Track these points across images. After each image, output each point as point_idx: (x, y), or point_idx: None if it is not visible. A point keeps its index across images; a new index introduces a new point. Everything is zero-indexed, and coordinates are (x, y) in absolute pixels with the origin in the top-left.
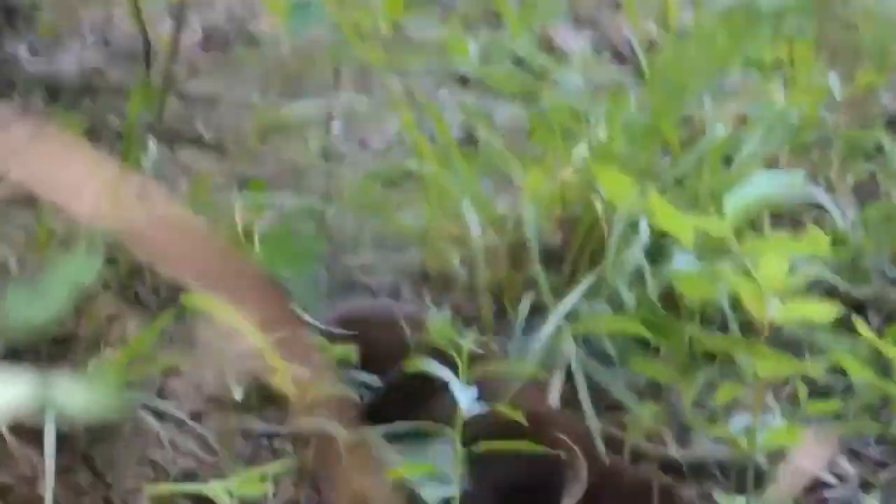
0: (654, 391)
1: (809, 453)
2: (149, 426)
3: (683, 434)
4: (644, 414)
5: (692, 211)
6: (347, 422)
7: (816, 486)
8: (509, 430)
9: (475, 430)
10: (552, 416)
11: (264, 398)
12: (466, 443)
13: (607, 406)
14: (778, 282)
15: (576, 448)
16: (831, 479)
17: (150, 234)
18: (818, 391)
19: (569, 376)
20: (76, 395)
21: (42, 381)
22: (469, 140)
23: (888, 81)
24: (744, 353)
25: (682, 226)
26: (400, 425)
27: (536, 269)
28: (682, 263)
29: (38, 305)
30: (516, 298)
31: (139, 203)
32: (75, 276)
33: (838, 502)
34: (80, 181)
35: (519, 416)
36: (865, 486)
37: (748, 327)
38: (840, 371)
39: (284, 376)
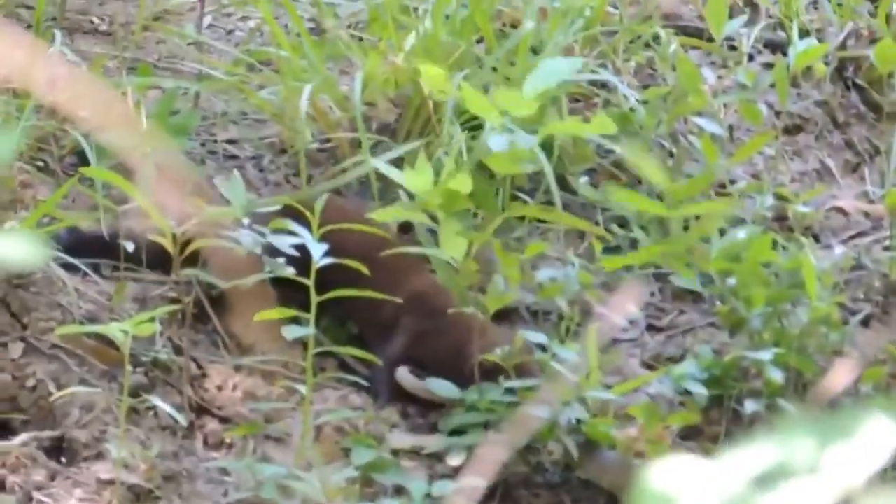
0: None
1: (618, 305)
2: (58, 276)
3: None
4: (467, 269)
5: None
6: (229, 273)
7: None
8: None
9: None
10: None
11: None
12: (320, 290)
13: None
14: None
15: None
16: (624, 323)
17: (61, 87)
18: (612, 248)
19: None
20: (10, 248)
21: None
22: (318, 30)
23: None
24: (546, 216)
25: (487, 107)
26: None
27: (363, 133)
28: (492, 143)
29: None
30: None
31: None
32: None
33: (628, 343)
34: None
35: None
36: (650, 328)
37: (552, 196)
38: (629, 230)
39: (166, 232)
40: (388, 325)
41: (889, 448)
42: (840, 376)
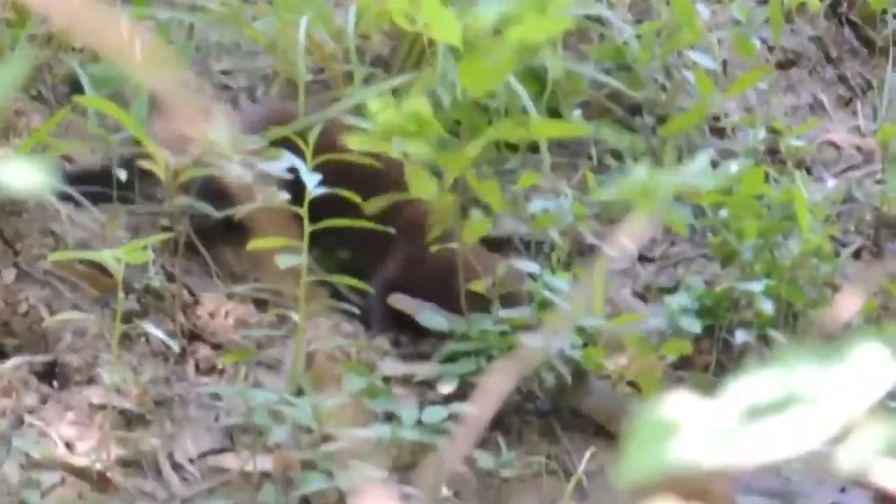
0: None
1: (622, 237)
2: (50, 203)
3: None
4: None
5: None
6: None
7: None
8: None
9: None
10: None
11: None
12: (314, 220)
13: None
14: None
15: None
16: (614, 253)
17: (58, 13)
18: (606, 179)
19: None
20: (13, 175)
21: None
22: None
23: None
24: (532, 135)
25: (448, 23)
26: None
27: (356, 65)
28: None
29: None
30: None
31: None
32: (5, 79)
33: (620, 273)
34: None
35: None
36: (642, 259)
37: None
38: (623, 162)
39: (159, 161)
40: (381, 253)
41: (889, 377)
42: (845, 307)
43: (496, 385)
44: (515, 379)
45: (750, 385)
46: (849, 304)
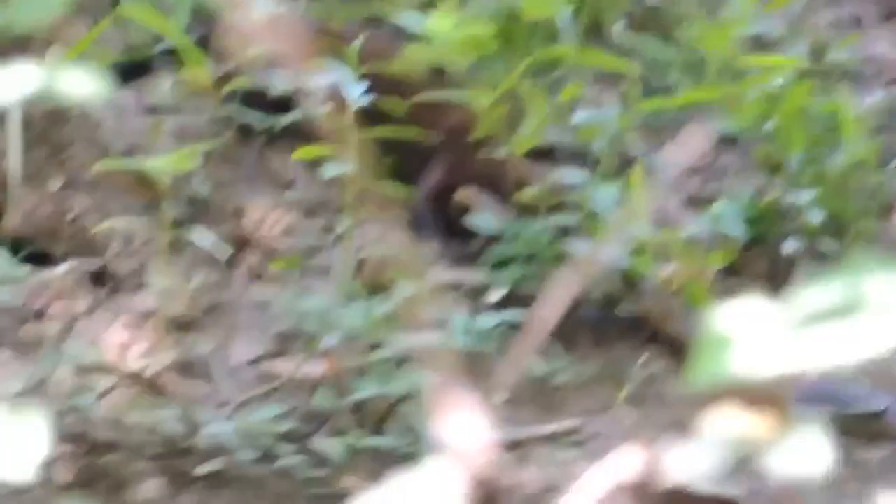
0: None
1: (684, 144)
2: (95, 112)
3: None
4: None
5: None
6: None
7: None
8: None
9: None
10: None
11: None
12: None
13: None
14: None
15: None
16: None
17: None
18: (649, 93)
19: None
20: (81, 83)
21: (46, 71)
22: None
23: None
24: (577, 56)
25: None
26: None
27: None
28: None
29: (42, 5)
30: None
31: None
32: None
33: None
34: None
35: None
36: (691, 170)
37: (588, 41)
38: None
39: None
40: (428, 158)
41: None
42: None
43: (560, 293)
44: (577, 288)
45: (813, 292)
46: None
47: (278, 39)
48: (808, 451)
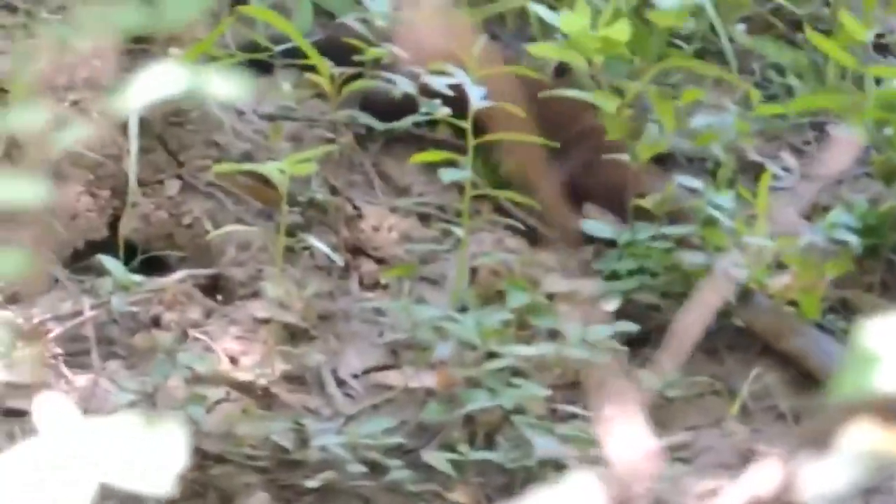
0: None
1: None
2: (213, 114)
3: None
4: (618, 115)
5: None
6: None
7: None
8: None
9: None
10: None
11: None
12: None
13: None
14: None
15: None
16: (778, 171)
17: None
18: (767, 97)
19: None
20: (224, 84)
21: (190, 72)
22: None
23: None
24: (701, 68)
25: None
26: None
27: None
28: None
29: (191, 3)
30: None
31: None
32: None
33: (783, 191)
34: None
35: None
36: (805, 176)
37: (708, 43)
38: (786, 78)
39: (324, 71)
40: (552, 163)
41: None
42: None
43: (704, 303)
44: (720, 299)
45: None
46: None
47: (450, 39)
48: None
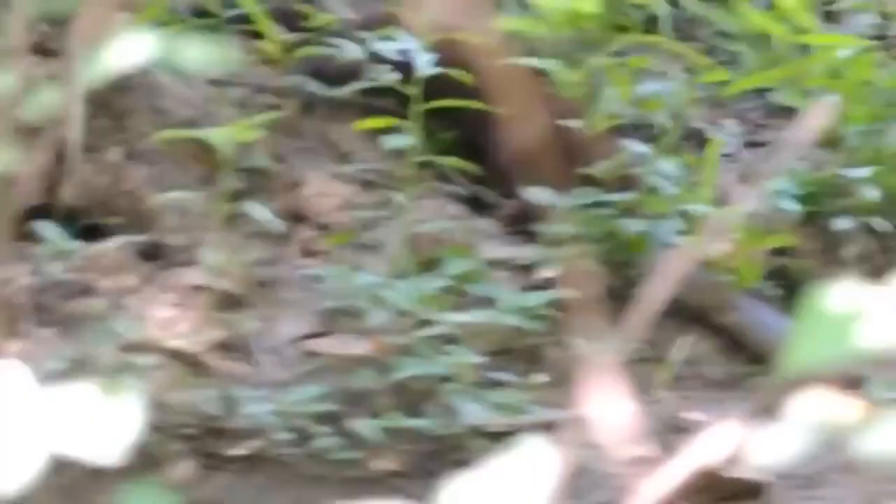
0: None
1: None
2: (158, 80)
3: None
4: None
5: None
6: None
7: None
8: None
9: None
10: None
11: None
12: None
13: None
14: None
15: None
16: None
17: None
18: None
19: None
20: (192, 51)
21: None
22: None
23: None
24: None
25: None
26: None
27: None
28: None
29: None
30: None
31: None
32: None
33: (726, 158)
34: None
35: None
36: (748, 144)
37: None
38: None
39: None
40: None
41: None
42: None
43: (669, 273)
44: (686, 269)
45: None
46: None
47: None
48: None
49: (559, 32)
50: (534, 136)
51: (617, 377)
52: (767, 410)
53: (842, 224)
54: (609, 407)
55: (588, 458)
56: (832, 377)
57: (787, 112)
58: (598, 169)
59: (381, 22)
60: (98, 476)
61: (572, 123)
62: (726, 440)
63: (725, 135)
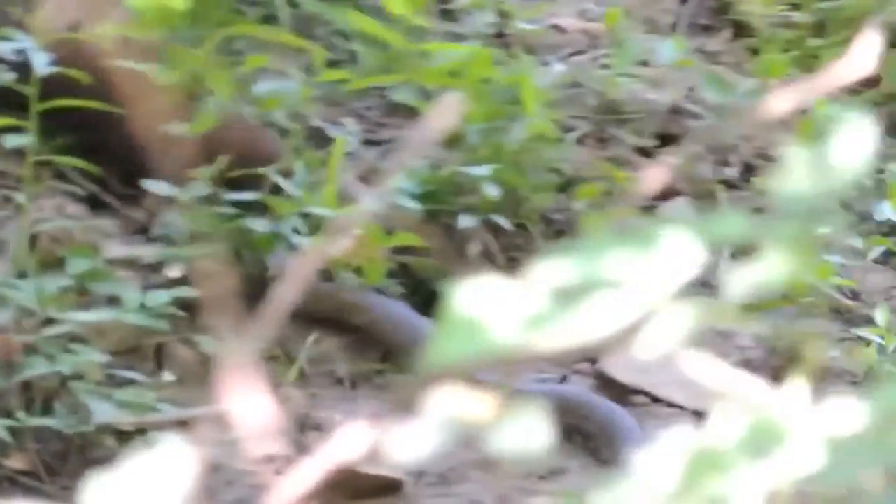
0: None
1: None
2: None
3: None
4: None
5: None
6: None
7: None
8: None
9: None
10: None
11: None
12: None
13: None
14: None
15: None
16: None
17: None
18: (332, 63)
19: None
20: None
21: None
22: None
23: None
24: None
25: None
26: None
27: None
28: None
29: None
30: None
31: None
32: None
33: (345, 157)
34: None
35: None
36: (367, 143)
37: (274, 9)
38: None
39: None
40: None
41: (694, 263)
42: (651, 182)
43: (299, 273)
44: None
45: (552, 269)
46: (656, 178)
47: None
48: (529, 431)
49: (155, 32)
50: (153, 135)
51: (252, 375)
52: (404, 407)
53: (464, 222)
54: (245, 404)
55: (222, 455)
56: (468, 374)
57: (406, 110)
58: (207, 172)
59: None
60: None
61: (180, 125)
62: (362, 437)
63: (345, 133)
